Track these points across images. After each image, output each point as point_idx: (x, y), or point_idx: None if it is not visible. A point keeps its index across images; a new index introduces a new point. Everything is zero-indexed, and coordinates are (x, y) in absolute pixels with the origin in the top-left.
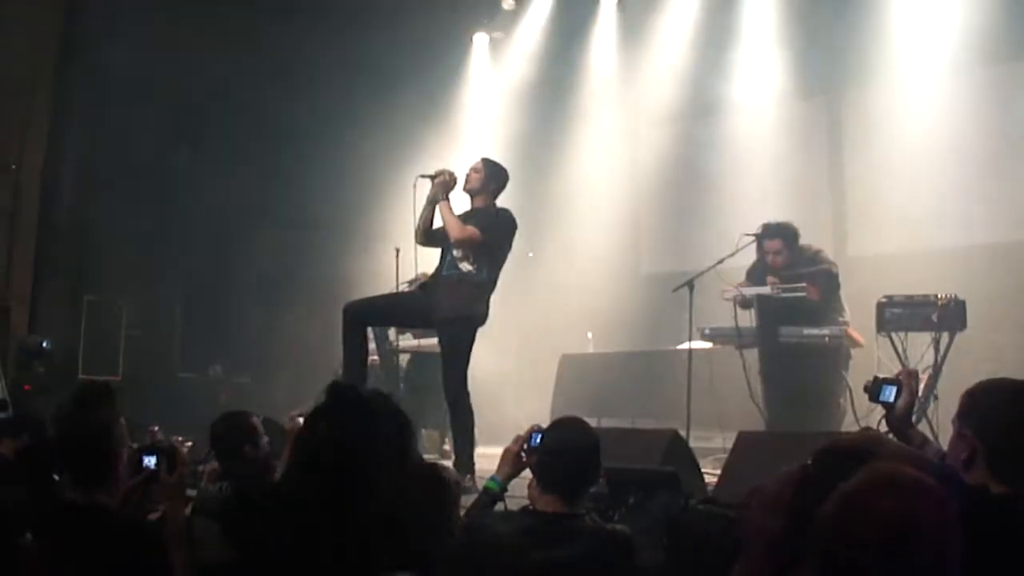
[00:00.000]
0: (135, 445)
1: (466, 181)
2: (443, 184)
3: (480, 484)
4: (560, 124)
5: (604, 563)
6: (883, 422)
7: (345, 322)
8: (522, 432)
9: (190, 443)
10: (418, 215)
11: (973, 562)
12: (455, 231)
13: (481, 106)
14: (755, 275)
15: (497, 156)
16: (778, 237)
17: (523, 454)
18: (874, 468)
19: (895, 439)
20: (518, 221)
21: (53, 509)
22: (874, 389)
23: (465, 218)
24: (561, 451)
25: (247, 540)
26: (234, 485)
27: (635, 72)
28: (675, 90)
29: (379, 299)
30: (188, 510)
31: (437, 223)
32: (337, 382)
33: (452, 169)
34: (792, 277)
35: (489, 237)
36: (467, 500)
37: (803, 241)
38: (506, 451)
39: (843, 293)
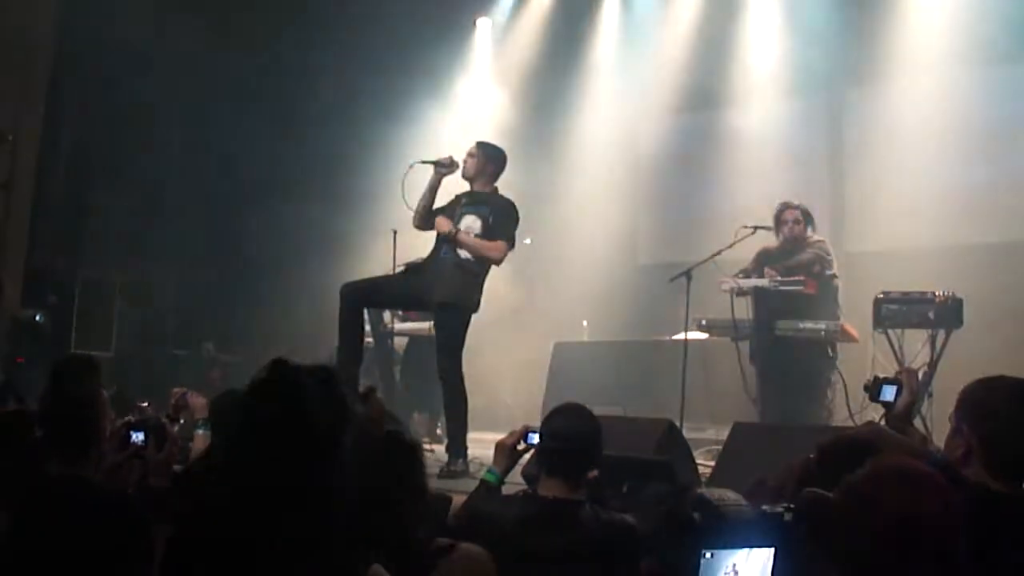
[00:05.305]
0: (127, 419)
1: (463, 167)
2: (445, 171)
3: (472, 467)
4: (559, 112)
5: (607, 551)
6: (884, 420)
7: (342, 303)
8: (515, 424)
9: (181, 421)
10: (414, 199)
11: (974, 558)
12: (486, 255)
13: (482, 90)
14: (763, 259)
15: (496, 141)
16: (797, 208)
17: (518, 447)
18: (880, 461)
19: None
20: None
21: (33, 482)
22: (874, 389)
23: (476, 206)
24: (568, 437)
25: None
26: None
27: (637, 62)
28: (677, 81)
29: (378, 281)
30: None
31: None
32: (281, 360)
33: (452, 155)
34: (789, 271)
35: (511, 241)
36: (459, 484)
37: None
38: (500, 444)
39: (840, 288)
